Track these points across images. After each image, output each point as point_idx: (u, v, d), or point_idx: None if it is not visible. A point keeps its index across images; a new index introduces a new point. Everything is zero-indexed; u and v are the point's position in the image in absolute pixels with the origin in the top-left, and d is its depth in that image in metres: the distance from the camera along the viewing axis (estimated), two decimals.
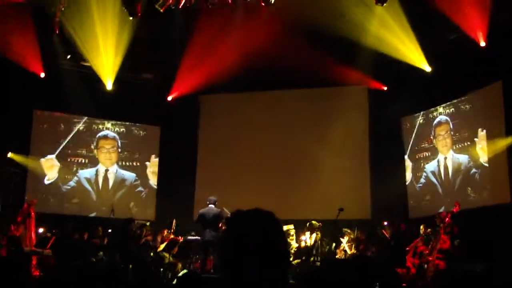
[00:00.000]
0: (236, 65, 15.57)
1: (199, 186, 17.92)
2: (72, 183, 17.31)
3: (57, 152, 17.07)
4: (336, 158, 16.84)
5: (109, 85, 16.62)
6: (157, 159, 18.39)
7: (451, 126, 15.18)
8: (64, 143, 17.21)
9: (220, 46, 15.55)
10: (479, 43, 13.22)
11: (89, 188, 17.55)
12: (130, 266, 12.20)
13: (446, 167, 15.28)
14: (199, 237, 13.63)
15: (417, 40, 14.27)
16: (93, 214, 17.02)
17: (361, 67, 15.87)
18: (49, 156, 16.97)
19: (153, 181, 18.32)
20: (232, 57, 15.49)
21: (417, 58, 14.82)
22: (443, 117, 15.47)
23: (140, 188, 18.19)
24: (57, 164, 17.08)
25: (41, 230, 13.79)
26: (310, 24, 14.35)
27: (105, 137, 18.08)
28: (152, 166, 18.36)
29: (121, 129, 18.24)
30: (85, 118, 17.61)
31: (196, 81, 16.98)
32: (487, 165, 13.88)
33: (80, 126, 17.60)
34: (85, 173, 17.55)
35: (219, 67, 15.84)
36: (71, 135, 17.38)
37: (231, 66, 15.60)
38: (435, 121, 15.69)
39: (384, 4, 12.50)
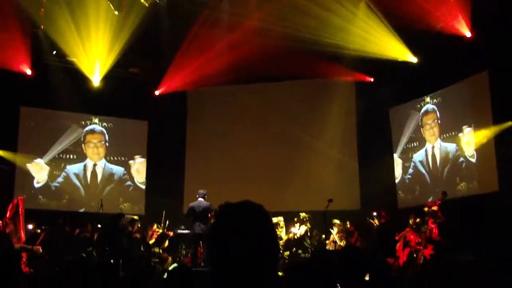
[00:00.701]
0: (224, 62, 15.68)
1: (188, 180, 17.92)
2: (60, 179, 17.20)
3: (47, 156, 16.99)
4: (325, 149, 16.93)
5: (96, 81, 16.56)
6: (142, 159, 18.30)
7: (438, 115, 15.22)
8: (53, 143, 17.16)
9: (208, 43, 15.57)
10: (464, 35, 13.33)
11: (78, 183, 17.47)
12: (121, 261, 12.18)
13: (434, 156, 15.35)
14: (189, 231, 13.64)
15: (401, 32, 14.37)
16: (82, 210, 16.95)
17: (346, 64, 16.07)
18: (36, 160, 16.82)
19: (137, 179, 18.25)
20: (220, 55, 15.58)
21: (401, 52, 14.94)
22: (430, 106, 15.52)
23: (129, 183, 18.15)
24: (46, 168, 16.98)
25: (30, 226, 13.72)
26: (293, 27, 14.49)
27: (92, 131, 17.95)
28: (137, 165, 18.27)
29: (109, 124, 18.12)
30: (72, 113, 17.45)
31: (185, 77, 17.03)
32: (473, 160, 14.01)
33: (67, 122, 17.47)
34: (73, 169, 17.45)
35: (207, 63, 15.90)
36: (59, 132, 17.32)
37: (220, 63, 15.70)
38: (422, 110, 15.74)
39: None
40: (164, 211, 14.78)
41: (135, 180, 18.25)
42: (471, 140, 13.93)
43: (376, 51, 14.94)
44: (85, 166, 17.68)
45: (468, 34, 13.33)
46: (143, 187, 18.21)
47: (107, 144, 18.05)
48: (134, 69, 17.83)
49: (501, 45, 12.31)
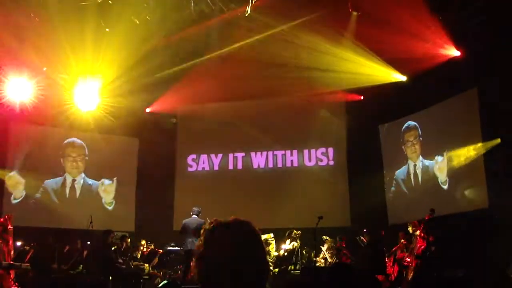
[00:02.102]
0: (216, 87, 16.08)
1: (178, 197, 17.89)
2: (38, 195, 16.70)
3: (18, 167, 16.29)
4: (315, 167, 16.97)
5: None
6: (109, 182, 17.96)
7: (420, 132, 15.26)
8: (24, 153, 16.39)
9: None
10: (451, 54, 13.53)
11: (55, 199, 16.95)
12: (110, 278, 12.11)
13: (416, 175, 15.37)
14: (178, 248, 13.62)
15: (388, 53, 14.56)
16: (67, 226, 16.63)
17: (336, 86, 16.25)
18: (11, 173, 16.22)
19: (105, 199, 17.87)
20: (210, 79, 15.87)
21: (388, 75, 15.13)
22: (411, 123, 15.55)
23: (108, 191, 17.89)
24: (21, 181, 16.38)
25: (19, 243, 13.62)
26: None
27: (72, 144, 17.56)
28: (104, 186, 17.91)
29: (99, 140, 17.78)
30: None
31: (175, 99, 17.26)
32: (445, 187, 14.22)
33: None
34: (52, 184, 16.98)
35: (198, 85, 16.10)
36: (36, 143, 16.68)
37: (210, 87, 16.03)
38: (404, 127, 15.77)
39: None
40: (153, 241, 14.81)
41: (103, 201, 17.86)
42: (444, 167, 14.05)
43: (365, 80, 15.23)
44: (63, 181, 17.22)
45: (456, 53, 13.50)
46: (110, 208, 17.82)
47: (87, 157, 17.64)
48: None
49: (489, 62, 12.43)
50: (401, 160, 15.96)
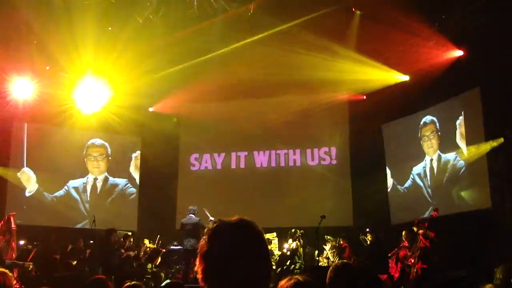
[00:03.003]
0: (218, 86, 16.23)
1: (181, 196, 17.89)
2: (61, 193, 17.10)
3: (25, 162, 16.66)
4: (318, 166, 16.97)
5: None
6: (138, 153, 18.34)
7: (438, 127, 15.17)
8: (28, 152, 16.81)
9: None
10: (454, 54, 13.60)
11: (78, 198, 17.33)
12: (113, 277, 12.10)
13: (432, 169, 15.30)
14: (181, 247, 13.64)
15: (390, 54, 14.64)
16: (80, 225, 16.84)
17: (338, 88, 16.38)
18: (23, 169, 16.63)
19: (135, 175, 18.30)
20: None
21: (391, 77, 15.26)
22: (428, 118, 15.43)
23: (130, 190, 18.15)
24: (32, 176, 16.74)
25: (22, 242, 13.64)
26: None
27: (93, 144, 17.89)
28: (135, 160, 18.31)
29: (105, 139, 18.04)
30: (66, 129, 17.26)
31: (178, 98, 17.36)
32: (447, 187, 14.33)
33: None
34: (74, 183, 17.32)
35: (200, 84, 16.18)
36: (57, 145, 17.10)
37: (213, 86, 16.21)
38: (421, 122, 15.65)
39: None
40: (158, 233, 14.82)
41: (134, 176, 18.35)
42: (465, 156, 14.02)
43: (367, 84, 15.57)
44: (86, 180, 17.59)
45: (459, 52, 13.52)
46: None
47: (110, 157, 17.98)
48: None
49: (492, 62, 12.41)
50: (414, 156, 15.88)
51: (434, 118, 15.27)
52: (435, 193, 14.89)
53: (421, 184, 15.57)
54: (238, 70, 15.40)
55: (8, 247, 11.88)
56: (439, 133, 15.10)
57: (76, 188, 17.37)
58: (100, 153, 17.89)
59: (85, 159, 17.75)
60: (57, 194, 17.09)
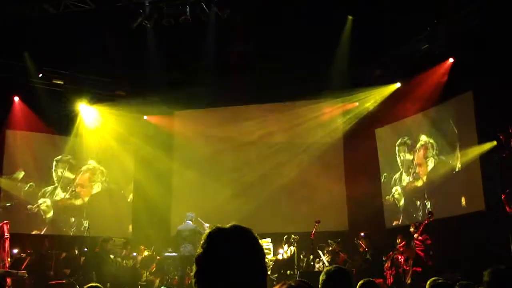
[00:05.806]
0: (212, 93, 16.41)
1: (175, 202, 17.84)
2: (54, 199, 16.95)
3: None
4: (312, 171, 16.94)
5: None
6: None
7: (429, 134, 15.20)
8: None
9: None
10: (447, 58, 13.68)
11: (71, 205, 17.23)
12: (108, 285, 12.06)
13: (421, 175, 15.34)
14: (176, 254, 13.60)
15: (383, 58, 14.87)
16: (73, 232, 16.77)
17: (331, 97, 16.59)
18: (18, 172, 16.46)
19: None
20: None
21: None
22: (417, 126, 15.53)
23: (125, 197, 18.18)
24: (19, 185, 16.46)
25: (15, 250, 13.57)
26: None
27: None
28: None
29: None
30: (58, 136, 17.20)
31: (172, 105, 17.46)
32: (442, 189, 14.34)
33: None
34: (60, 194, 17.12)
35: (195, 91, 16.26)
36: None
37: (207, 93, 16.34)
38: (417, 144, 15.73)
39: None
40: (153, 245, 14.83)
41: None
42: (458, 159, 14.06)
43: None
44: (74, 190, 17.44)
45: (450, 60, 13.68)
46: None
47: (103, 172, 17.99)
48: (121, 92, 17.73)
49: (485, 65, 12.46)
50: (405, 161, 15.89)
51: (422, 127, 15.37)
52: (430, 196, 14.90)
53: (416, 188, 15.59)
54: (231, 76, 15.47)
55: (1, 256, 11.82)
56: (431, 140, 15.16)
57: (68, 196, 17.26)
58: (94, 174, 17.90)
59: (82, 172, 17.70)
60: (51, 201, 16.90)
